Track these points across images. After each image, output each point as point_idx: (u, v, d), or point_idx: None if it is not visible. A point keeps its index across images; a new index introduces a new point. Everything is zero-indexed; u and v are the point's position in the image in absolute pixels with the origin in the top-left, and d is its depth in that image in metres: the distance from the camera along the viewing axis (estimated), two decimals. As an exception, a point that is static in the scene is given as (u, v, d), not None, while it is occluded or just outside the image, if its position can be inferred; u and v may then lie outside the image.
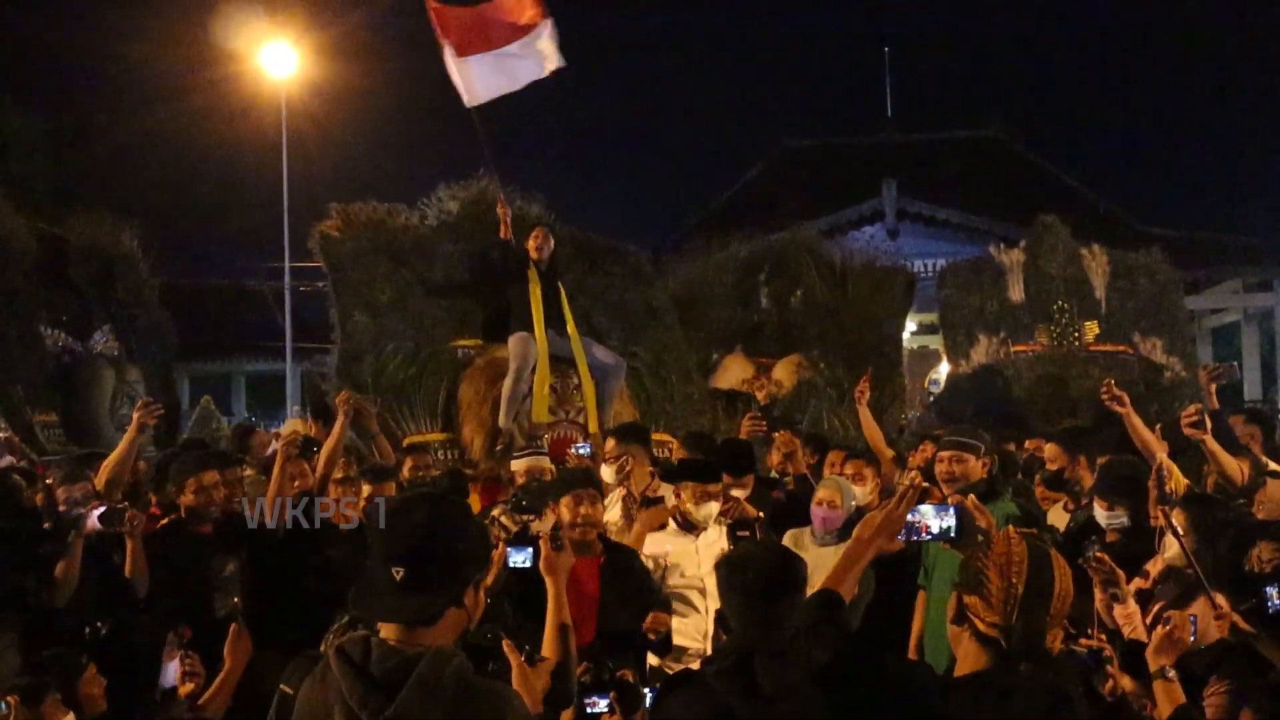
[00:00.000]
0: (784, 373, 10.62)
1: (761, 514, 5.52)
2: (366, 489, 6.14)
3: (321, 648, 2.95)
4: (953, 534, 3.13)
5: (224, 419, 20.39)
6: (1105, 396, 5.69)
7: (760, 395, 9.87)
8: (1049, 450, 6.83)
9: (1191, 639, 3.65)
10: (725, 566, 3.07)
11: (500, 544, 3.88)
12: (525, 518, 4.69)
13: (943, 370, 25.00)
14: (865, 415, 7.14)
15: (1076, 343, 11.92)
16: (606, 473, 5.99)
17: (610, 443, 6.42)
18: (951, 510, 3.16)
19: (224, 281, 27.11)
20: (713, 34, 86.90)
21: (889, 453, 6.97)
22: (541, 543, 3.77)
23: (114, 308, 11.86)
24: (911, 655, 5.25)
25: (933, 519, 3.13)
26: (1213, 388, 6.93)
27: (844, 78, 75.57)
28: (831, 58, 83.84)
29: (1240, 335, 25.89)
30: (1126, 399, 5.69)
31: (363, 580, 2.39)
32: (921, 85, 69.33)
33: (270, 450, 7.57)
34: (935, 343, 29.25)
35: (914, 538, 3.20)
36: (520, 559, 3.78)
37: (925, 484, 5.21)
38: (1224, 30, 64.59)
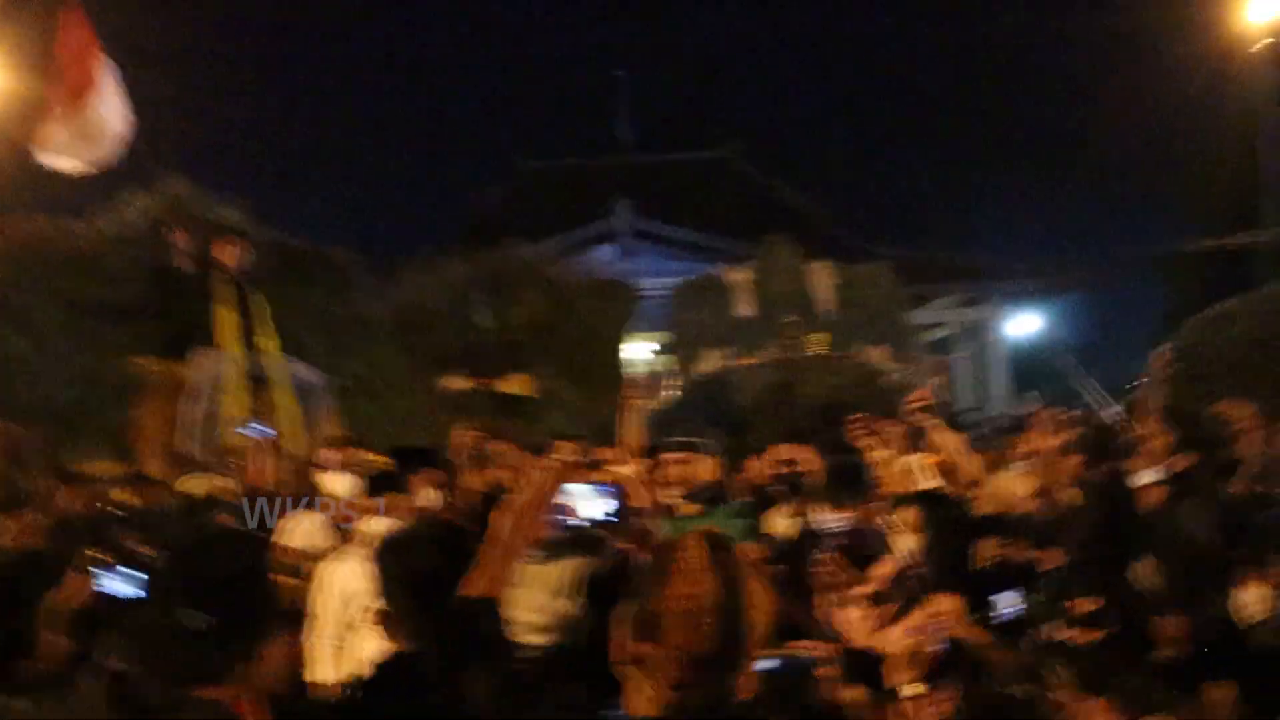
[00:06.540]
0: (510, 389, 10.28)
1: None
2: None
3: None
4: (614, 517, 2.72)
5: None
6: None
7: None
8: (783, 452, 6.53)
9: (939, 647, 3.39)
10: (389, 553, 2.63)
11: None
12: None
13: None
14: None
15: (802, 354, 12.12)
16: (339, 483, 5.40)
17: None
18: (615, 490, 2.74)
19: None
20: (456, 53, 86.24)
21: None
22: None
23: None
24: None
25: (587, 501, 2.69)
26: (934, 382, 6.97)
27: (580, 101, 76.18)
28: (568, 81, 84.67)
29: (956, 348, 27.31)
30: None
31: None
32: (657, 108, 70.66)
33: None
34: (674, 362, 29.70)
35: (565, 521, 2.75)
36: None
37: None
38: (953, 64, 69.80)
